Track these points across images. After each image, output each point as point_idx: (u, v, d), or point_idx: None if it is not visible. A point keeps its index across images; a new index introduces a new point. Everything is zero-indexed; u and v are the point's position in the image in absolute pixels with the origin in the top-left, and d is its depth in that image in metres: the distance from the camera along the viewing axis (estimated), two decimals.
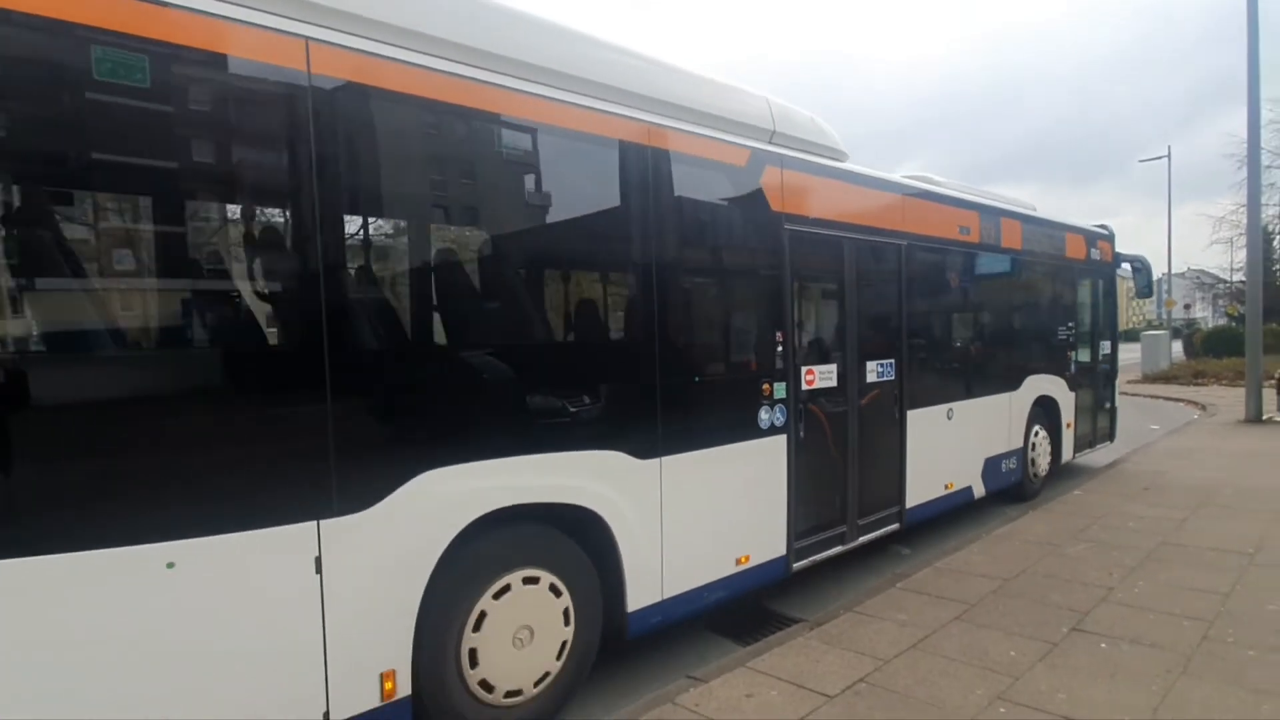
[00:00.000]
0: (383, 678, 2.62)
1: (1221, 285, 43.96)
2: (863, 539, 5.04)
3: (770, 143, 4.41)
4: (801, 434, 4.43)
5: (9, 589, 1.89)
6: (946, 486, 5.89)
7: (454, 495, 2.79)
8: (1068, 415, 7.69)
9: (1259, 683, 3.17)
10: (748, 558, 4.12)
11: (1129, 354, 9.83)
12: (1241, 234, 34.01)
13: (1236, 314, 38.46)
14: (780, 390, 4.25)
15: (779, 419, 4.25)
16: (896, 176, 5.67)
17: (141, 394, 2.22)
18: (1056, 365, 7.57)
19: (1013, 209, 6.91)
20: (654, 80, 3.78)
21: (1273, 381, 12.04)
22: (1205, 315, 51.60)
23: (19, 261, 2.23)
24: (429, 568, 2.73)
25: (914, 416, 5.40)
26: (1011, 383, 6.76)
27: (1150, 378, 20.92)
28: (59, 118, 2.13)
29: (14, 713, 1.90)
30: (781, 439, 4.28)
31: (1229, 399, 14.90)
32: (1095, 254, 8.24)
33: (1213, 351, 29.26)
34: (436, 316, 3.22)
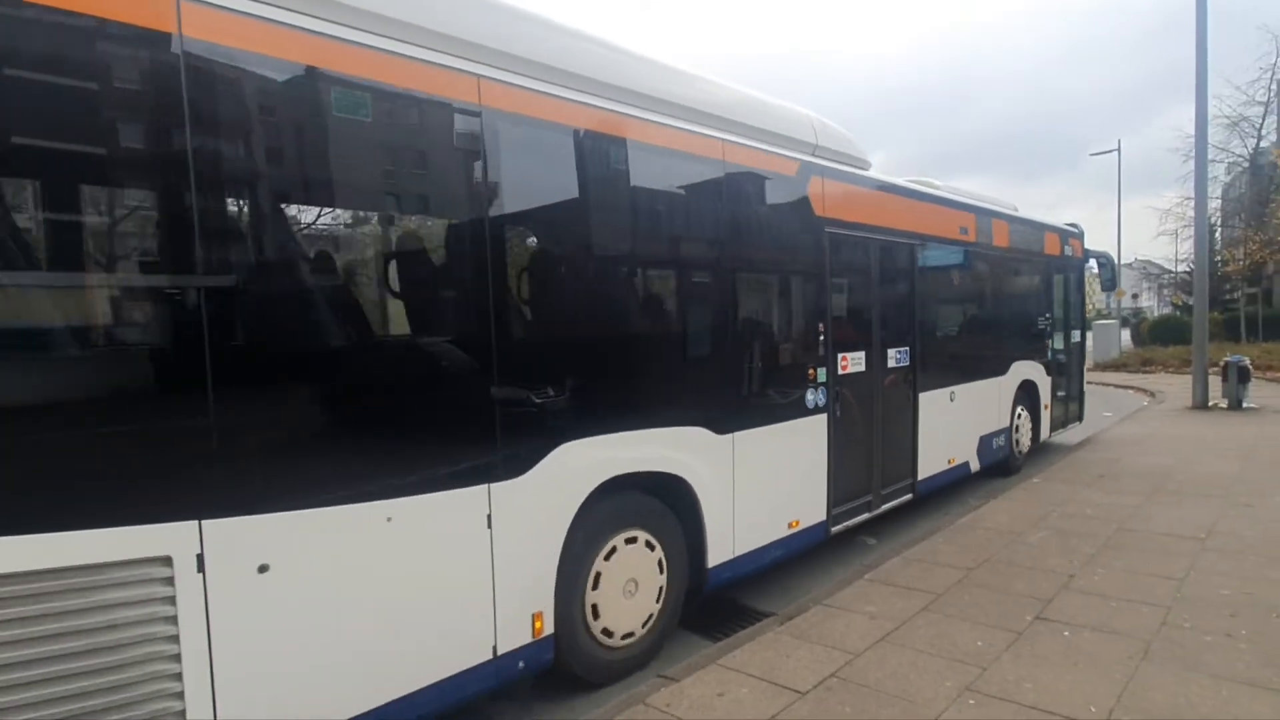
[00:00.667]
0: (534, 617, 3.13)
1: (1167, 275, 45.61)
2: (884, 507, 5.67)
3: (813, 155, 4.98)
4: (838, 413, 5.01)
5: (305, 529, 2.41)
6: (949, 461, 6.57)
7: (585, 463, 3.34)
8: (1046, 398, 8.44)
9: (1216, 668, 3.24)
10: (798, 522, 4.73)
11: None
12: (1185, 225, 35.23)
13: (1181, 303, 39.97)
14: (822, 374, 4.87)
15: (821, 400, 4.84)
16: (907, 182, 6.20)
17: (382, 387, 2.76)
18: (1037, 352, 8.30)
19: (1001, 210, 7.57)
20: (729, 100, 4.39)
21: (1217, 369, 12.47)
22: (1151, 304, 53.51)
23: (311, 282, 2.74)
24: (567, 523, 3.26)
25: (924, 398, 6.05)
26: (1000, 368, 7.47)
27: (1102, 365, 21.59)
28: (310, 149, 2.66)
29: (299, 615, 2.41)
30: (823, 418, 4.87)
31: (1176, 386, 15.43)
32: (1068, 250, 8.99)
33: (1159, 340, 30.41)
34: (570, 316, 3.62)
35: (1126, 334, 32.37)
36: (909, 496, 5.96)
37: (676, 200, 4.03)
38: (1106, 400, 14.36)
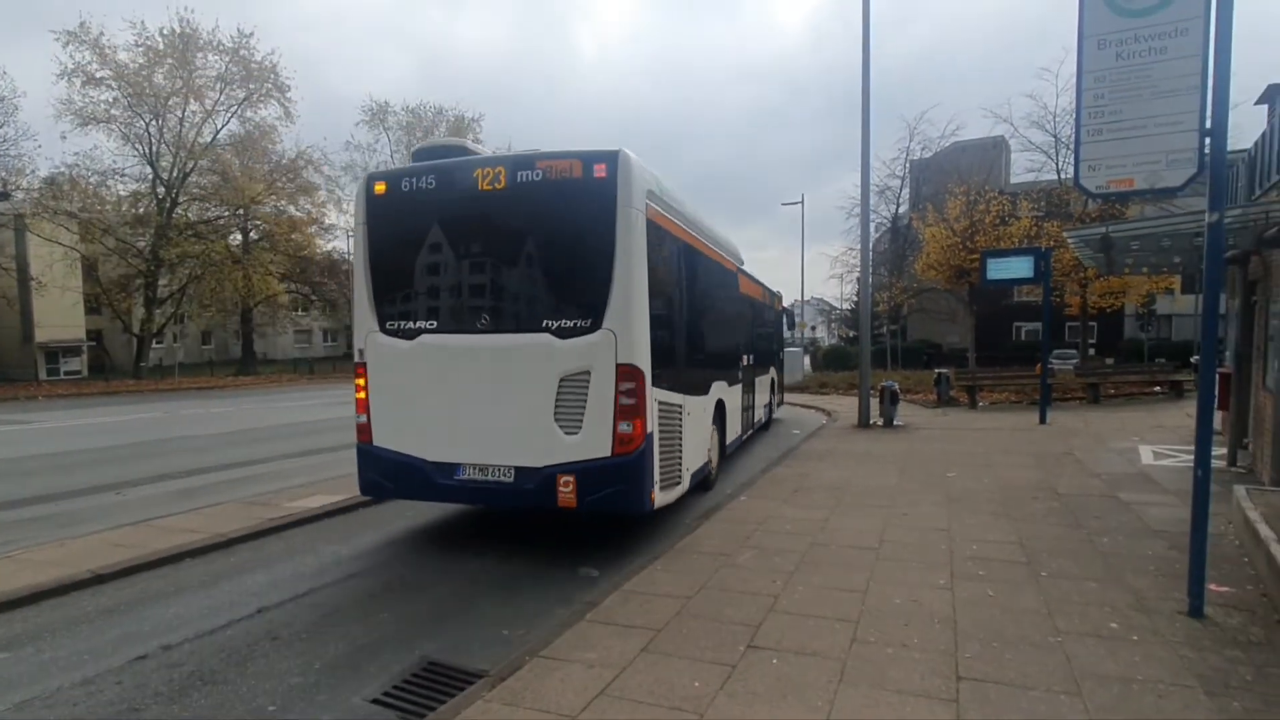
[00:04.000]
0: (708, 450, 8.19)
1: (835, 311, 54.45)
2: (750, 433, 11.70)
3: (737, 261, 10.84)
4: (745, 383, 10.83)
5: (691, 402, 7.33)
6: (760, 416, 12.98)
7: (715, 393, 8.53)
8: (776, 388, 15.55)
9: (900, 683, 3.46)
10: (739, 432, 10.66)
11: None
12: (849, 271, 42.53)
13: (845, 336, 47.75)
14: (742, 363, 10.59)
15: (740, 376, 10.42)
16: (753, 273, 12.37)
17: (710, 368, 8.59)
18: (775, 362, 15.28)
19: (765, 284, 13.97)
20: (730, 245, 10.42)
21: (875, 392, 14.80)
22: (823, 336, 63.63)
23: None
24: (712, 416, 8.40)
25: (755, 381, 12.09)
26: (767, 369, 13.98)
27: (789, 387, 24.62)
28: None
29: (692, 430, 7.35)
30: (740, 385, 10.39)
31: (845, 406, 18.10)
32: (782, 305, 16.96)
33: (831, 365, 36.13)
34: (715, 344, 8.91)
35: (807, 360, 37.86)
36: (752, 430, 11.92)
37: (731, 292, 10.00)
38: (797, 419, 16.33)
